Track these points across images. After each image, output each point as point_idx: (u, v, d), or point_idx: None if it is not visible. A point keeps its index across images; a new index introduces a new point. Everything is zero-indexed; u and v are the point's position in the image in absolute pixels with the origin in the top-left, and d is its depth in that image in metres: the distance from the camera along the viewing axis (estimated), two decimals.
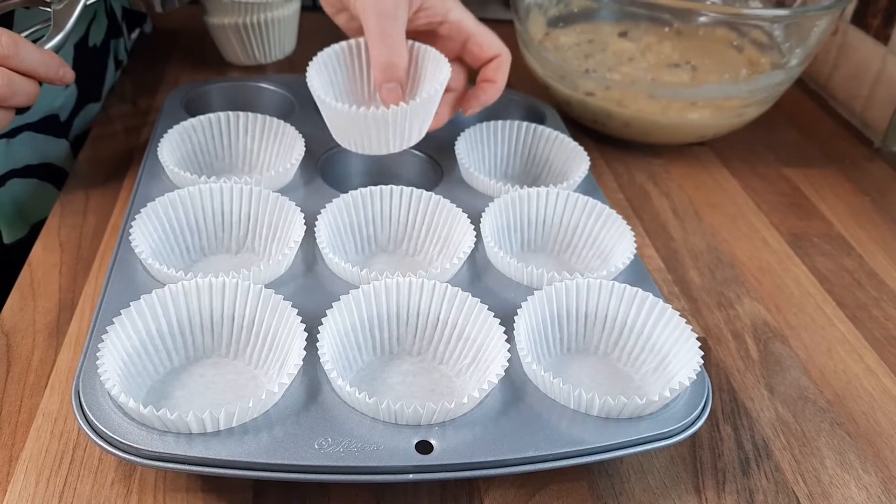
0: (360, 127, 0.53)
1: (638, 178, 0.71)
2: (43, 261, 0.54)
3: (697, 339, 0.44)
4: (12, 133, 0.63)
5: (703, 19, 0.75)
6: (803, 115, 0.86)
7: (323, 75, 0.57)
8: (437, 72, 0.56)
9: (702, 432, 0.47)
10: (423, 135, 0.56)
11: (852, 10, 0.86)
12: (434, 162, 0.62)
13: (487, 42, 0.59)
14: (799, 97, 0.89)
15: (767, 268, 0.62)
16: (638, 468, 0.44)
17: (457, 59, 0.60)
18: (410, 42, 0.57)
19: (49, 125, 0.67)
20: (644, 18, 0.74)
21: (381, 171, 0.63)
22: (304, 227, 0.50)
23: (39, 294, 0.51)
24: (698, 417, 0.42)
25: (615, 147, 0.75)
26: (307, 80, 0.54)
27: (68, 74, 0.55)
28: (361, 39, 0.58)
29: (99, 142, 0.68)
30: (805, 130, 0.83)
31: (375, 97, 0.57)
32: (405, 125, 0.54)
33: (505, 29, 0.73)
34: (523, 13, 0.77)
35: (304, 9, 0.82)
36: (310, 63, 0.56)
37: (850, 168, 0.77)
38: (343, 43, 0.58)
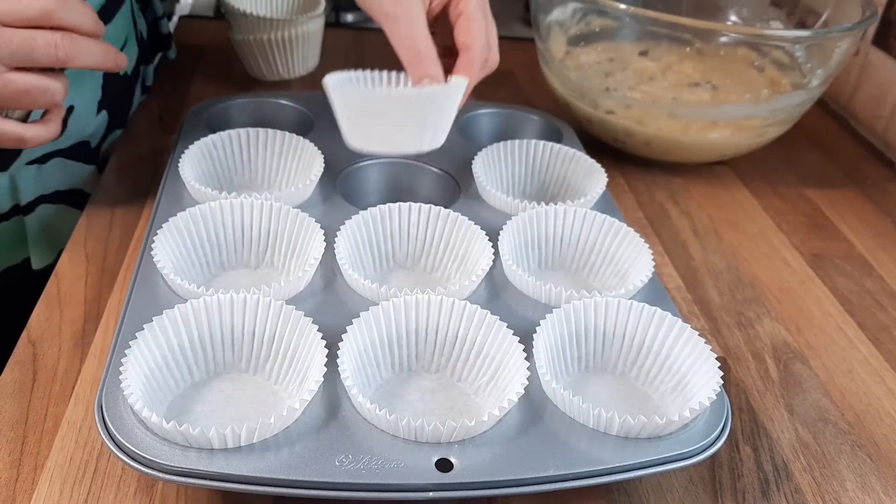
0: (384, 113, 0.50)
1: (658, 196, 0.71)
2: (69, 272, 0.55)
3: (717, 358, 0.44)
4: (44, 159, 0.65)
5: (724, 39, 0.75)
6: (824, 135, 0.86)
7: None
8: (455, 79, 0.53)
9: (721, 453, 0.46)
10: (439, 138, 0.53)
11: (874, 32, 0.86)
12: (451, 179, 0.63)
13: (466, 28, 0.54)
14: (820, 117, 0.89)
15: (788, 288, 0.61)
16: (657, 488, 0.44)
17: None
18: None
19: (80, 151, 0.68)
20: (665, 38, 0.74)
21: (399, 187, 0.63)
22: (325, 243, 0.50)
23: (65, 304, 0.52)
24: (718, 438, 0.42)
25: (635, 166, 0.75)
26: (324, 83, 0.51)
27: (123, 61, 0.53)
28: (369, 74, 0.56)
29: (125, 156, 0.69)
30: (826, 151, 0.83)
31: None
32: (427, 117, 0.51)
33: (526, 47, 0.73)
34: (544, 31, 0.78)
35: (327, 25, 0.83)
36: (327, 76, 0.52)
37: (872, 189, 0.76)
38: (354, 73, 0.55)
